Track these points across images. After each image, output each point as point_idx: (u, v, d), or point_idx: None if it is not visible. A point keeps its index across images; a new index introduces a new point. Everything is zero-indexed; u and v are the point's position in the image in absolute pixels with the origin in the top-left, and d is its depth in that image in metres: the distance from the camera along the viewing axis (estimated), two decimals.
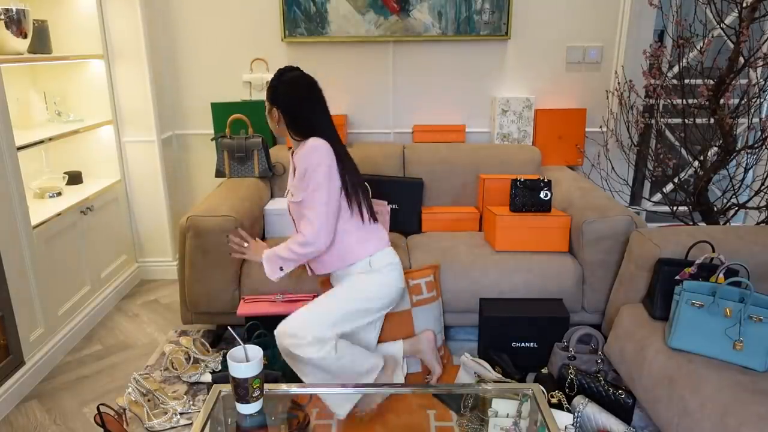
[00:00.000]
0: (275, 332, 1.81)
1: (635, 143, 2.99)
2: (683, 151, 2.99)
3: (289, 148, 2.86)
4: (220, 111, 2.91)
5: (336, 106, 3.06)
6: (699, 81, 2.57)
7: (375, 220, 1.99)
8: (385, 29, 2.90)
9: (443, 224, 2.72)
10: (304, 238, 1.83)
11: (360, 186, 1.94)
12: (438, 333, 2.26)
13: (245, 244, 1.98)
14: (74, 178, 2.77)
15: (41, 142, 2.29)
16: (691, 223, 2.83)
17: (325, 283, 2.20)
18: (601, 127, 3.11)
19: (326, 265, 1.97)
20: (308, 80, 1.94)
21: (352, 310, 1.86)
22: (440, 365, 2.18)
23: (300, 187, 1.86)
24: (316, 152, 1.81)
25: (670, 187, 2.91)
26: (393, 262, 1.95)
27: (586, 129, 3.07)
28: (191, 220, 2.25)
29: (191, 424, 1.94)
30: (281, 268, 1.90)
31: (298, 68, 1.96)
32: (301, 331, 1.75)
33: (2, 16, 2.16)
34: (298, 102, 1.90)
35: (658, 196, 3.31)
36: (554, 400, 1.92)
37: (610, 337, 2.05)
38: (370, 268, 1.92)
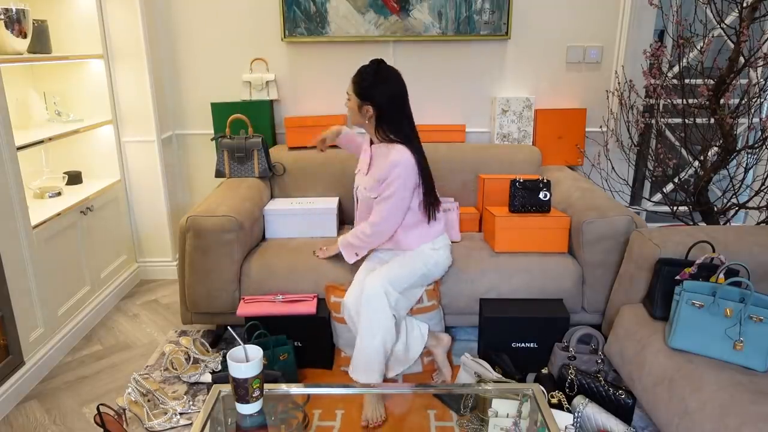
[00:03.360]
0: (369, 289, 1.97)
1: (635, 143, 2.99)
2: (683, 151, 2.99)
3: (300, 147, 2.88)
4: (220, 111, 2.91)
5: (336, 106, 3.05)
6: (699, 81, 2.57)
7: (436, 219, 2.17)
8: (385, 29, 2.90)
9: None
10: (370, 229, 2.10)
11: (433, 190, 2.12)
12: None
13: (318, 252, 2.32)
14: (74, 178, 2.77)
15: (41, 142, 2.29)
16: (691, 223, 2.83)
17: (331, 287, 2.22)
18: (601, 127, 3.11)
19: (389, 244, 2.19)
20: (401, 78, 2.03)
21: (412, 280, 2.09)
22: (450, 371, 2.19)
23: (375, 188, 2.07)
24: (399, 167, 2.00)
25: (670, 187, 2.91)
26: (447, 244, 2.21)
27: (586, 129, 3.07)
28: (191, 220, 2.25)
29: (191, 424, 1.94)
30: (356, 254, 2.18)
31: (383, 60, 2.04)
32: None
33: (2, 16, 2.16)
34: (391, 102, 2.01)
35: (658, 196, 3.31)
36: (554, 400, 1.92)
37: (610, 337, 2.05)
38: (432, 247, 2.16)
